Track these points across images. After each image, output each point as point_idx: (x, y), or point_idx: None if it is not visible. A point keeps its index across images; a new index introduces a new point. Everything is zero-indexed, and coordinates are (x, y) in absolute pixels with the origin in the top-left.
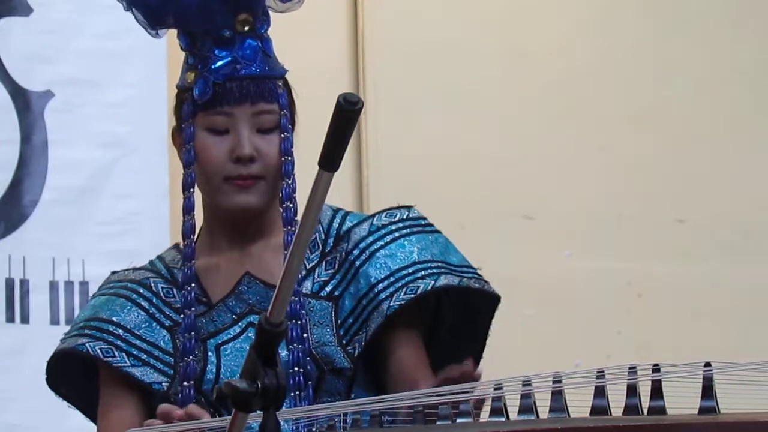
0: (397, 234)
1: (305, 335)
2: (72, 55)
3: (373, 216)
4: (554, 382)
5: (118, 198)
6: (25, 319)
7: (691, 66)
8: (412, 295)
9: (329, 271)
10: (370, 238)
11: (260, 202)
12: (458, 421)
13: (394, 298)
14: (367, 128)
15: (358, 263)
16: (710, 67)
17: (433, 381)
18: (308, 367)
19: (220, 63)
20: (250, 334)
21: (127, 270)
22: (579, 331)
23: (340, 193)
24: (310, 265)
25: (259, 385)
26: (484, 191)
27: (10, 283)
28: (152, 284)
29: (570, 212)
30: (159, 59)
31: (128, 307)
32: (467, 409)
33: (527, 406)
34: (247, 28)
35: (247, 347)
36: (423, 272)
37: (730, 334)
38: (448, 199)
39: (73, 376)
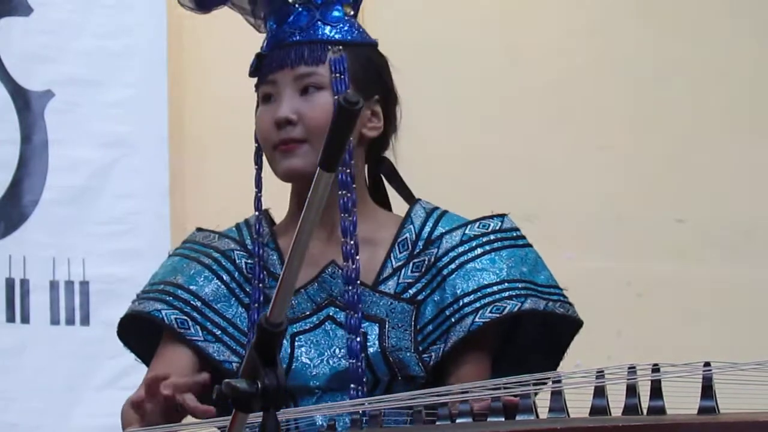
0: (488, 247)
1: (360, 328)
2: (72, 55)
3: (466, 225)
4: (554, 382)
5: (118, 198)
6: (25, 319)
7: (691, 66)
8: (498, 315)
9: (415, 274)
10: (461, 248)
11: (305, 164)
12: (458, 421)
13: (479, 315)
14: None
15: (446, 272)
16: (710, 67)
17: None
18: (378, 367)
19: (269, 35)
20: (327, 328)
21: (213, 233)
22: (579, 331)
23: None
24: (397, 264)
25: (260, 385)
26: (484, 191)
27: (10, 283)
28: (236, 257)
29: (570, 212)
30: (159, 59)
31: (208, 277)
32: (466, 409)
33: (527, 406)
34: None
35: (323, 341)
36: (510, 292)
37: (730, 334)
38: (448, 200)
39: (144, 333)
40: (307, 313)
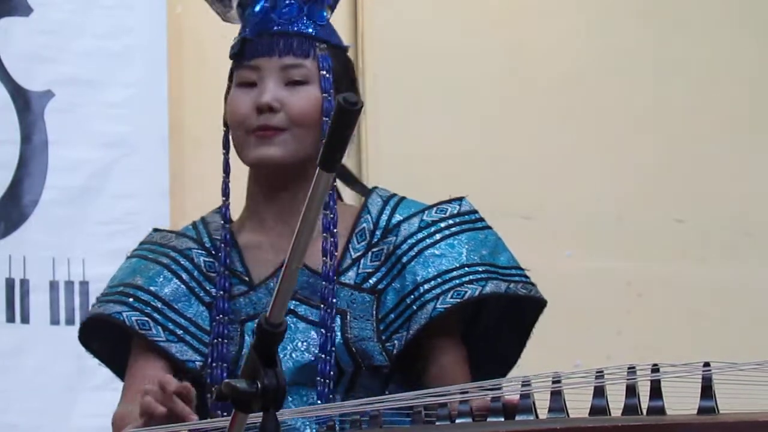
0: (447, 232)
1: (333, 324)
2: (72, 55)
3: (423, 210)
4: (554, 382)
5: (118, 198)
6: (25, 319)
7: (691, 66)
8: (459, 300)
9: (375, 263)
10: (420, 235)
11: (283, 154)
12: (457, 421)
13: (440, 301)
14: (367, 128)
15: (405, 259)
16: (710, 67)
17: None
18: (341, 358)
19: (253, 19)
20: (288, 322)
21: (170, 233)
22: (579, 331)
23: (340, 193)
24: (356, 254)
25: (259, 385)
26: (484, 191)
27: (10, 283)
28: (194, 256)
29: (570, 212)
30: (159, 59)
31: (167, 277)
32: (466, 409)
33: (526, 406)
34: None
35: (285, 335)
36: (471, 276)
37: (730, 334)
38: None
39: (107, 336)
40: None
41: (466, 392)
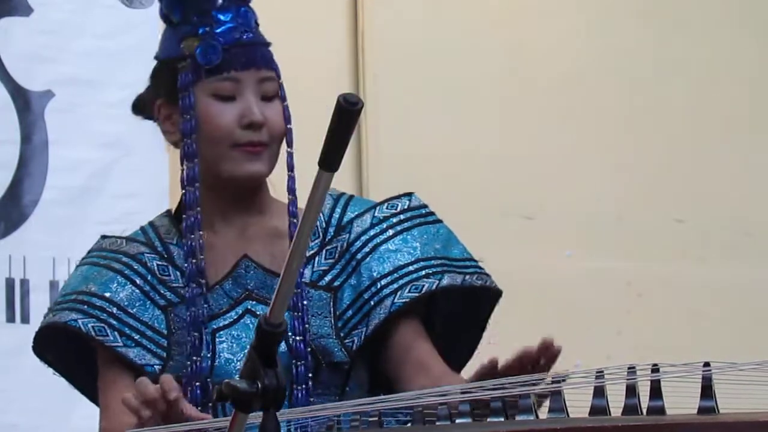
0: (399, 228)
1: (306, 327)
2: (72, 55)
3: (374, 207)
4: (554, 382)
5: (118, 198)
6: (25, 319)
7: (691, 66)
8: (416, 294)
9: (329, 261)
10: (372, 231)
11: (268, 169)
12: (457, 421)
13: (398, 295)
14: (367, 128)
15: (359, 256)
16: (710, 67)
17: (454, 376)
18: (307, 359)
19: (224, 28)
20: (247, 322)
21: (120, 239)
22: (579, 331)
23: None
24: (310, 253)
25: (259, 385)
26: (484, 191)
27: (10, 283)
28: (147, 260)
29: (570, 212)
30: None
31: (121, 283)
32: (466, 409)
33: (526, 406)
34: None
35: (244, 335)
36: (426, 270)
37: (730, 334)
38: (448, 199)
39: (62, 345)
40: (225, 308)
41: (468, 392)
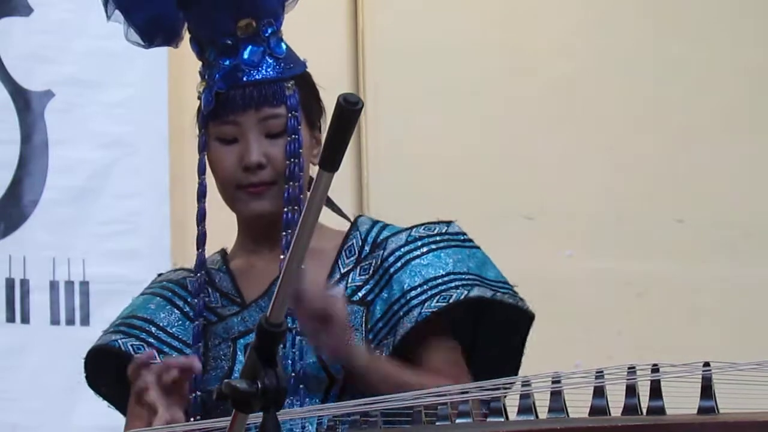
0: (434, 246)
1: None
2: (72, 55)
3: (411, 228)
4: (553, 382)
5: (118, 198)
6: (25, 319)
7: (691, 66)
8: (444, 304)
9: (363, 277)
10: (407, 248)
11: (274, 207)
12: (458, 421)
13: (425, 305)
14: (367, 128)
15: (392, 270)
16: (710, 67)
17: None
18: (332, 366)
19: (222, 72)
20: None
21: (170, 271)
22: (579, 331)
23: (340, 193)
24: (345, 269)
25: (260, 385)
26: (484, 191)
27: (10, 283)
28: (188, 283)
29: (570, 212)
30: (159, 59)
31: (164, 306)
32: (466, 409)
33: (526, 407)
34: (249, 34)
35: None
36: (457, 282)
37: (730, 334)
38: (448, 199)
39: (110, 374)
40: None
41: (467, 392)
